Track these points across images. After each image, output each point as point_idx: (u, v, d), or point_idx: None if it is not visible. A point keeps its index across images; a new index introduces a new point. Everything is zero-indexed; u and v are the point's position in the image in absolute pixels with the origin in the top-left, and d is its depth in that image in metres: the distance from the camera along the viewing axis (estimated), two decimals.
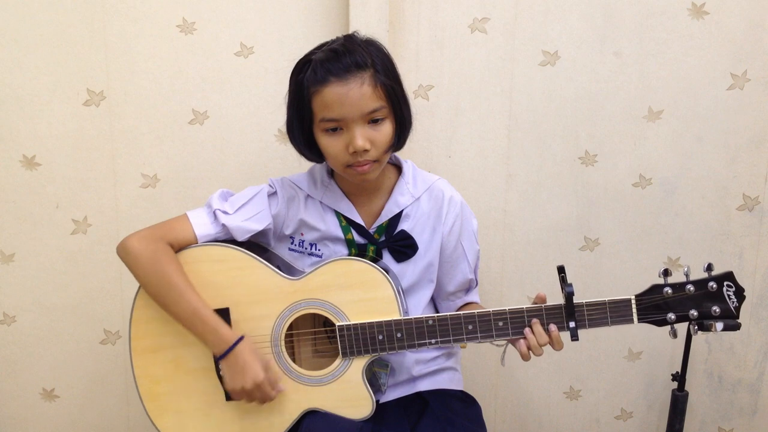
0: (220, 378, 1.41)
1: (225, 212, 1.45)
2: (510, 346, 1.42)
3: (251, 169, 1.90)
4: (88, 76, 1.83)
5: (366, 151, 1.34)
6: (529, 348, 1.33)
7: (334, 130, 1.35)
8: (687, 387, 1.84)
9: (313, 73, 1.33)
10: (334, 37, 1.42)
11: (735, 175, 1.87)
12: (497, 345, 1.44)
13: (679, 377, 1.82)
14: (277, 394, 1.38)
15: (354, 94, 1.31)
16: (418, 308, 1.50)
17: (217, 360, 1.38)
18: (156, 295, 1.39)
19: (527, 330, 1.33)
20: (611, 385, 2.02)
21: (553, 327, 1.32)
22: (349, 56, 1.32)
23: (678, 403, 1.83)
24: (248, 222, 1.45)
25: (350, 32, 1.42)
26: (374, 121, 1.35)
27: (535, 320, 1.33)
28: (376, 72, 1.33)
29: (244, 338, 1.36)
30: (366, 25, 1.75)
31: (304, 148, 1.43)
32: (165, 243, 1.40)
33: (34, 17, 1.79)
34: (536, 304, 1.34)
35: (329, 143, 1.36)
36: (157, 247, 1.39)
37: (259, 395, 1.36)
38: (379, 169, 1.41)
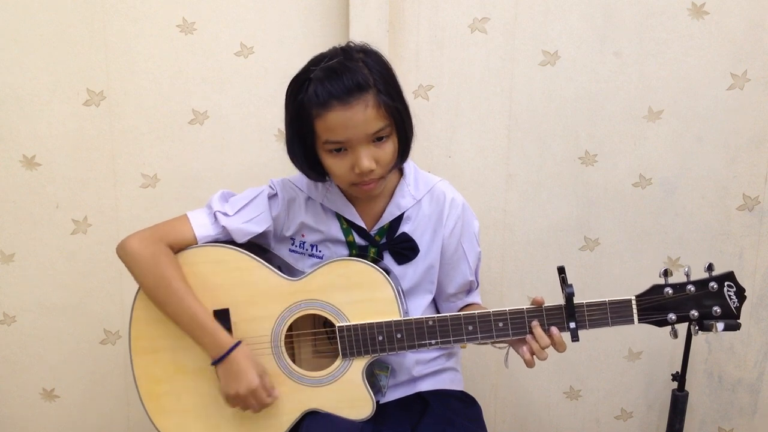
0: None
1: (225, 214, 1.45)
2: (512, 348, 1.42)
3: (251, 170, 1.90)
4: (88, 76, 1.83)
5: (371, 170, 1.33)
6: (532, 353, 1.33)
7: (339, 150, 1.33)
8: (687, 387, 1.84)
9: (314, 96, 1.29)
10: (330, 48, 1.38)
11: (735, 175, 1.87)
12: (499, 348, 1.44)
13: (679, 377, 1.82)
14: (272, 401, 1.38)
15: (358, 117, 1.29)
16: (419, 310, 1.50)
17: (213, 364, 1.37)
18: (155, 297, 1.39)
19: (528, 336, 1.33)
20: (611, 385, 2.03)
21: (554, 329, 1.32)
22: (349, 77, 1.28)
23: (678, 403, 1.83)
24: (248, 224, 1.45)
25: (346, 43, 1.38)
26: (378, 139, 1.33)
27: (534, 323, 1.32)
28: (378, 92, 1.30)
29: (241, 344, 1.36)
30: (366, 25, 1.75)
31: (307, 168, 1.41)
32: (164, 245, 1.40)
33: (34, 17, 1.79)
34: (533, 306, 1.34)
35: (334, 164, 1.35)
36: (157, 248, 1.39)
37: (253, 401, 1.36)
38: (383, 184, 1.41)
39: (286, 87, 1.37)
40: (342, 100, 1.28)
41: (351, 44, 1.37)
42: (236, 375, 1.34)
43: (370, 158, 1.32)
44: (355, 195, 1.44)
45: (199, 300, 1.38)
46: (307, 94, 1.31)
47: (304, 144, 1.37)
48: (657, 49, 1.82)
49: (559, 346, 1.33)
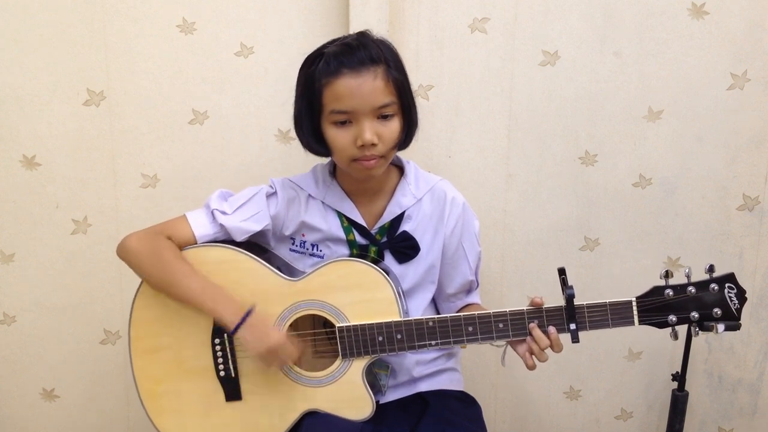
0: (221, 378, 1.42)
1: (223, 212, 1.45)
2: (510, 347, 1.42)
3: (251, 169, 1.90)
4: (88, 76, 1.83)
5: (374, 145, 1.34)
6: (532, 353, 1.33)
7: (343, 123, 1.34)
8: (687, 387, 1.84)
9: (325, 65, 1.33)
10: (345, 34, 1.42)
11: (735, 175, 1.87)
12: (497, 346, 1.44)
13: (679, 377, 1.82)
14: (299, 352, 1.38)
15: (366, 86, 1.31)
16: (419, 310, 1.50)
17: (236, 328, 1.34)
18: (161, 285, 1.40)
19: (528, 339, 1.33)
20: (611, 385, 2.03)
21: (552, 329, 1.32)
22: (363, 50, 1.32)
23: (678, 403, 1.83)
24: (246, 222, 1.45)
25: (363, 30, 1.42)
26: (383, 117, 1.35)
27: (532, 324, 1.32)
28: (389, 67, 1.34)
29: (254, 307, 1.37)
30: (366, 25, 1.75)
31: (312, 141, 1.41)
32: (164, 237, 1.41)
33: (34, 17, 1.79)
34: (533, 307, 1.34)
35: (337, 136, 1.36)
36: (156, 239, 1.41)
37: (282, 354, 1.35)
38: (384, 165, 1.41)
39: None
40: (352, 68, 1.31)
41: (368, 31, 1.41)
42: (262, 333, 1.34)
43: (372, 132, 1.33)
44: (355, 174, 1.43)
45: (205, 276, 1.39)
46: (318, 66, 1.34)
47: (311, 116, 1.38)
48: (657, 49, 1.82)
49: (555, 347, 1.33)
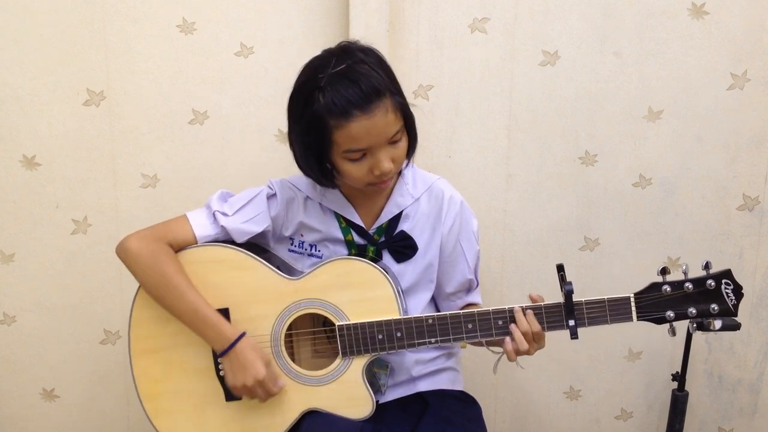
0: (221, 378, 1.42)
1: (224, 214, 1.45)
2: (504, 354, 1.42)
3: (251, 170, 1.90)
4: (88, 76, 1.83)
5: (390, 170, 1.34)
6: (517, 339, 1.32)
7: (359, 158, 1.33)
8: (687, 387, 1.84)
9: (332, 105, 1.27)
10: (321, 51, 1.36)
11: (735, 175, 1.87)
12: (494, 352, 1.44)
13: (679, 377, 1.82)
14: (279, 390, 1.38)
15: (380, 124, 1.29)
16: (418, 309, 1.50)
17: (218, 357, 1.38)
18: (156, 295, 1.39)
19: (512, 326, 1.32)
20: (611, 385, 2.02)
21: (529, 312, 1.33)
22: (364, 82, 1.27)
23: (678, 403, 1.83)
24: (247, 224, 1.45)
25: (341, 44, 1.36)
26: (394, 141, 1.34)
27: (516, 308, 1.33)
28: (392, 94, 1.31)
29: (245, 335, 1.36)
30: (366, 25, 1.76)
31: (321, 178, 1.40)
32: (164, 243, 1.40)
33: (34, 17, 1.79)
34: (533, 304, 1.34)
35: (353, 169, 1.34)
36: (157, 246, 1.39)
37: (260, 392, 1.36)
38: (395, 178, 1.43)
39: (287, 83, 1.36)
40: (363, 109, 1.27)
41: (345, 44, 1.36)
42: (242, 366, 1.34)
43: (389, 160, 1.33)
44: (367, 193, 1.44)
45: (201, 295, 1.38)
46: (320, 104, 1.28)
47: (319, 155, 1.35)
48: (657, 49, 1.82)
49: (536, 335, 1.32)
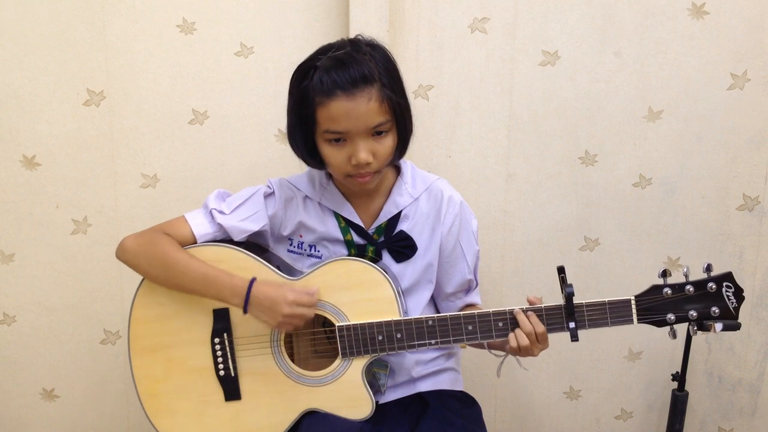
0: (221, 378, 1.42)
1: (221, 212, 1.45)
2: (507, 357, 1.42)
3: (251, 169, 1.90)
4: (88, 76, 1.83)
5: (368, 163, 1.34)
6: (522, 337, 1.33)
7: (338, 140, 1.34)
8: (687, 387, 1.84)
9: (319, 83, 1.30)
10: (338, 39, 1.40)
11: (735, 175, 1.87)
12: (496, 355, 1.44)
13: (679, 377, 1.82)
14: (316, 292, 1.36)
15: (360, 109, 1.30)
16: (418, 309, 1.50)
17: (244, 312, 1.36)
18: (164, 278, 1.40)
19: (523, 319, 1.32)
20: (611, 385, 2.02)
21: (531, 314, 1.33)
22: (356, 67, 1.29)
23: (678, 403, 1.83)
24: (244, 222, 1.46)
25: (355, 36, 1.40)
26: (378, 133, 1.34)
27: (517, 310, 1.33)
28: (382, 86, 1.31)
29: (256, 279, 1.36)
30: (366, 25, 1.75)
31: (306, 155, 1.41)
32: (161, 233, 1.43)
33: (34, 17, 1.79)
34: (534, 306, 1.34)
35: (331, 153, 1.35)
36: (152, 236, 1.42)
37: (303, 310, 1.34)
38: (378, 178, 1.41)
39: (288, 84, 1.38)
40: (346, 90, 1.29)
41: (359, 37, 1.39)
42: (271, 302, 1.33)
43: (367, 151, 1.33)
44: (349, 187, 1.44)
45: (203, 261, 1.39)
46: (311, 82, 1.32)
47: (304, 131, 1.37)
48: (657, 49, 1.82)
49: (540, 335, 1.32)
